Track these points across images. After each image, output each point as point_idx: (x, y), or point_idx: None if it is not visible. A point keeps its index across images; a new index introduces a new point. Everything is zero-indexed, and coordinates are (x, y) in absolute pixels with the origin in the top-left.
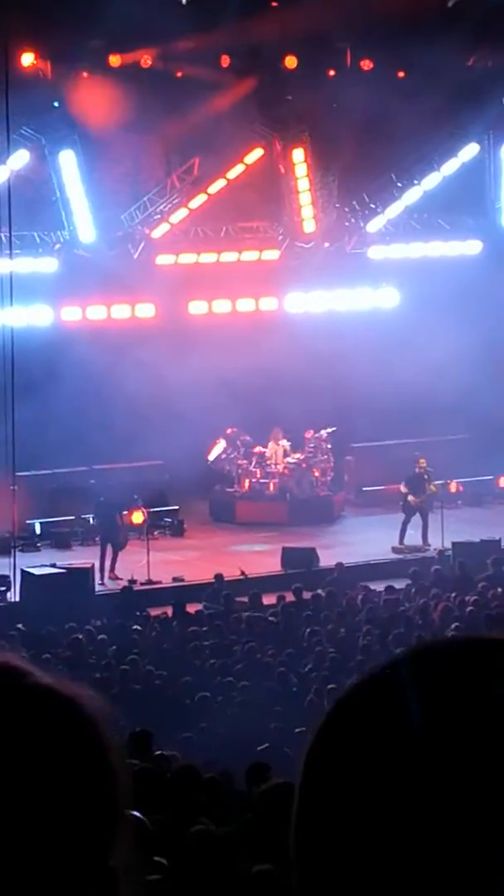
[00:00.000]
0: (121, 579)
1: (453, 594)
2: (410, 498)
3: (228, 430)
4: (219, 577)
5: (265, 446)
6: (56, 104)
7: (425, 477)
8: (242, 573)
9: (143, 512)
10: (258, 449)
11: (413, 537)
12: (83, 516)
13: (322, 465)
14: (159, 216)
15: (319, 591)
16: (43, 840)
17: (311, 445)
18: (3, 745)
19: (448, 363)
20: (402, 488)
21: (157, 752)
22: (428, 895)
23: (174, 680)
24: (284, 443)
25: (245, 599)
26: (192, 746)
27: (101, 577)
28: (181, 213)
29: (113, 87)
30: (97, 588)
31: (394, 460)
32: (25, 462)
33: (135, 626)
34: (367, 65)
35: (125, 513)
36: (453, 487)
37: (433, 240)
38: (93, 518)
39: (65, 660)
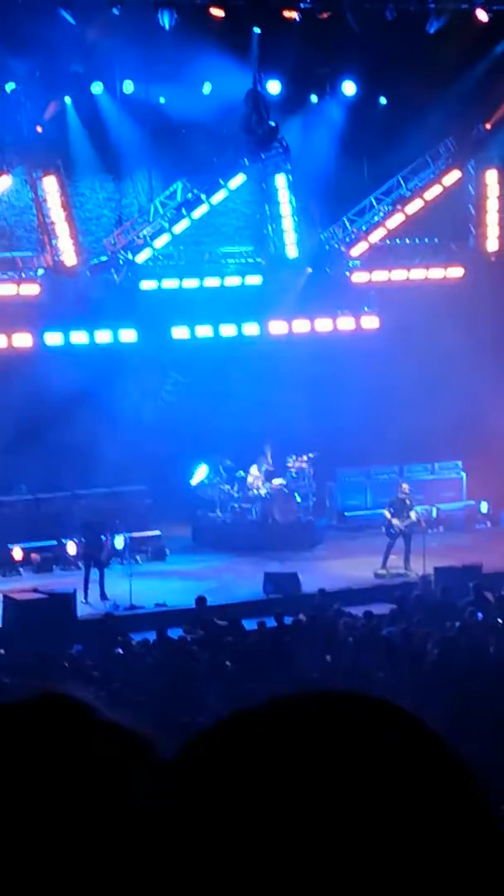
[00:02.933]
0: (109, 599)
1: (434, 619)
2: (395, 521)
3: (211, 455)
4: (200, 601)
5: (248, 471)
6: (39, 129)
7: (407, 502)
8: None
9: (123, 537)
10: (241, 474)
11: (395, 562)
12: (64, 541)
13: (304, 490)
14: (142, 241)
15: (301, 616)
16: (100, 876)
17: (294, 470)
18: (71, 782)
19: (430, 388)
20: (386, 513)
21: None
22: None
23: (157, 705)
24: (267, 465)
25: (226, 624)
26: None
27: (85, 597)
28: (164, 238)
29: (95, 112)
30: (79, 610)
31: (376, 485)
32: (6, 486)
33: (117, 651)
34: (349, 90)
35: (108, 534)
36: (435, 513)
37: (415, 265)
38: (78, 538)
39: (48, 685)
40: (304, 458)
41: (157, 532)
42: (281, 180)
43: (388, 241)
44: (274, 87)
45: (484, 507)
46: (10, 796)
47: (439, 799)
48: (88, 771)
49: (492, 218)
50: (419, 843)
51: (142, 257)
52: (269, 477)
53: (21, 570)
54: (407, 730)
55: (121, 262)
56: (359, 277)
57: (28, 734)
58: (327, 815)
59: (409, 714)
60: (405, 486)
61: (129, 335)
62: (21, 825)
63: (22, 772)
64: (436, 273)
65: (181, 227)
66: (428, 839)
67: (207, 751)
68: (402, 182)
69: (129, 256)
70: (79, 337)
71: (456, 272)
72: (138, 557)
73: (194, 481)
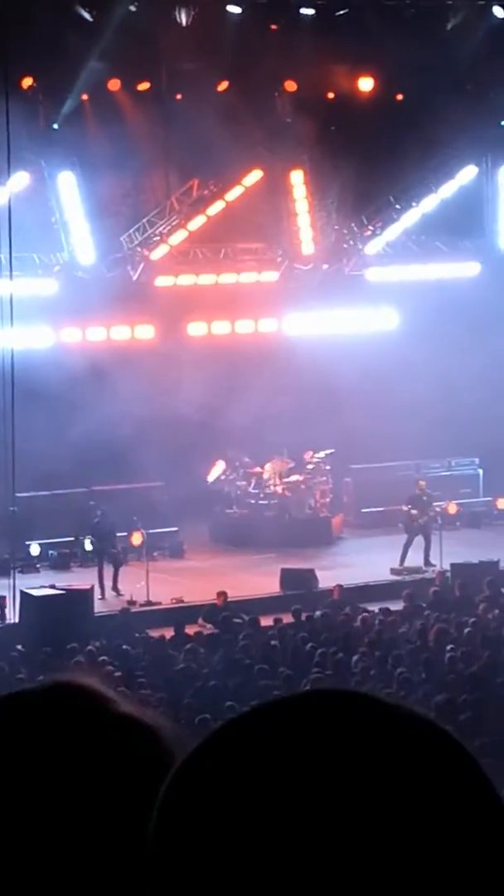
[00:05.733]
0: (122, 595)
1: (452, 615)
2: (414, 513)
3: (228, 452)
4: (218, 599)
5: (264, 468)
6: (56, 127)
7: (424, 499)
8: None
9: (141, 533)
10: (257, 470)
11: (413, 559)
12: (81, 538)
13: (321, 486)
14: (158, 238)
15: (318, 612)
16: (112, 869)
17: (310, 467)
18: (81, 773)
19: (447, 385)
20: (405, 508)
21: None
22: None
23: (174, 702)
24: (286, 462)
25: (243, 620)
26: None
27: (102, 593)
28: (180, 235)
29: (112, 110)
30: (96, 606)
31: (393, 482)
32: (24, 483)
33: (133, 648)
34: (365, 87)
35: (123, 533)
36: (452, 509)
37: (431, 262)
38: (90, 538)
39: None
40: (322, 454)
41: (174, 528)
42: (297, 177)
43: (403, 238)
44: (291, 83)
45: (502, 502)
46: (17, 783)
47: (461, 808)
48: (96, 759)
49: None
50: (440, 858)
51: (158, 254)
52: (286, 474)
53: (39, 566)
54: (431, 741)
55: (137, 258)
56: (375, 275)
57: (38, 721)
58: (337, 822)
59: (437, 725)
60: (422, 482)
61: (145, 331)
62: (26, 813)
63: (30, 758)
64: (451, 270)
65: (197, 223)
66: (449, 851)
67: (214, 758)
68: (418, 179)
69: (146, 253)
70: (96, 334)
71: (472, 269)
72: (155, 553)
73: (210, 478)
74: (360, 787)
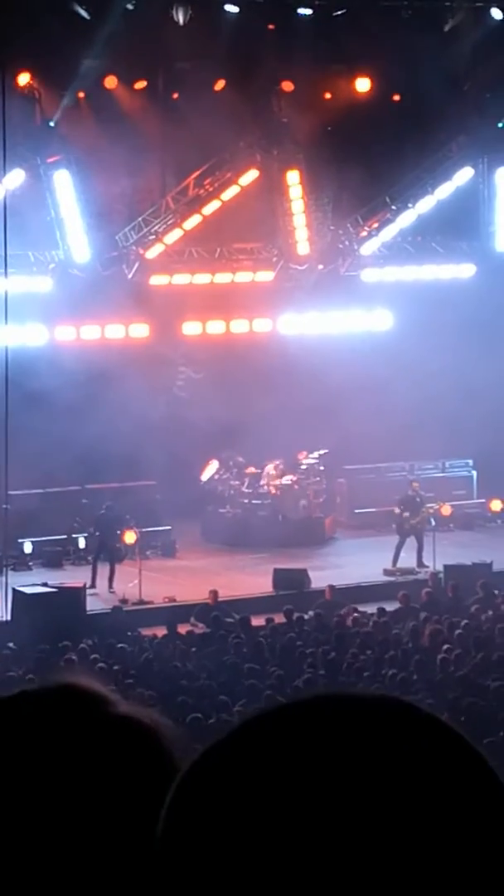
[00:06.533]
0: (115, 593)
1: (444, 617)
2: (406, 515)
3: (221, 451)
4: (213, 594)
5: (258, 467)
6: (51, 124)
7: (417, 500)
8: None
9: (135, 532)
10: (251, 470)
11: (406, 560)
12: (74, 535)
13: (314, 486)
14: (154, 236)
15: (310, 612)
16: (112, 869)
17: (304, 467)
18: (79, 774)
19: (441, 386)
20: (396, 510)
21: None
22: None
23: (165, 700)
24: (275, 464)
25: (234, 620)
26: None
27: (93, 583)
28: (176, 234)
29: (108, 107)
30: (89, 604)
31: (386, 483)
32: (17, 481)
33: (126, 646)
34: (362, 87)
35: (123, 529)
36: (446, 510)
37: (427, 263)
38: (93, 529)
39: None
40: (315, 454)
41: (167, 527)
42: (293, 177)
43: (399, 239)
44: (288, 83)
45: (495, 504)
46: (18, 783)
47: (473, 803)
48: (97, 759)
49: (503, 216)
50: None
51: (153, 253)
52: (278, 474)
53: (31, 564)
54: (444, 739)
55: (132, 257)
56: (370, 275)
57: (38, 722)
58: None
59: (447, 724)
60: (416, 483)
61: (140, 330)
62: (27, 813)
63: (31, 759)
64: (447, 271)
65: (193, 222)
66: (465, 849)
67: (223, 762)
68: (414, 180)
69: (141, 252)
70: (90, 332)
71: (467, 270)
72: (148, 552)
73: (204, 477)
74: (385, 795)
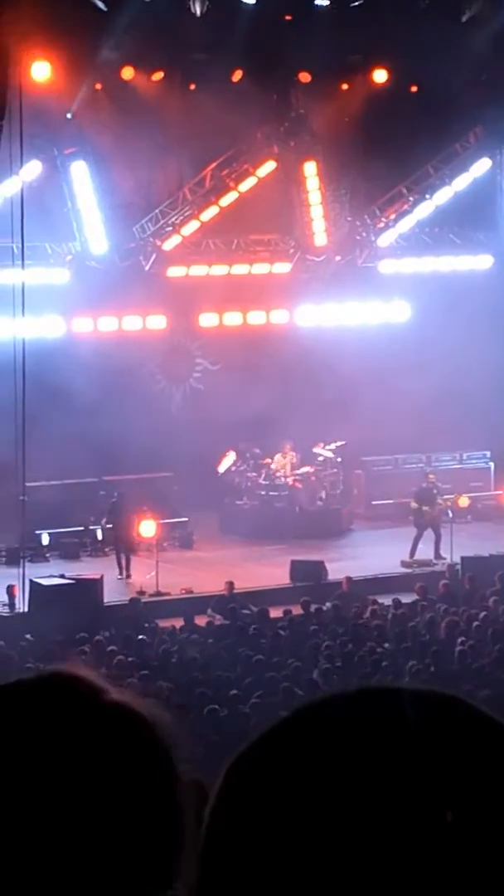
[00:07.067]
0: (132, 583)
1: (461, 609)
2: (425, 509)
3: (239, 443)
4: (225, 589)
5: (273, 459)
6: (69, 116)
7: (434, 492)
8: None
9: (156, 523)
10: (267, 461)
11: (423, 552)
12: (92, 527)
13: (331, 478)
14: (171, 228)
15: (328, 604)
16: (106, 859)
17: (321, 459)
18: (74, 763)
19: (459, 378)
20: (413, 504)
21: None
22: None
23: (183, 692)
24: (292, 455)
25: (252, 611)
26: (199, 760)
27: (121, 572)
28: (193, 226)
29: (126, 99)
30: (109, 594)
31: (404, 475)
32: (34, 472)
33: (144, 638)
34: (379, 78)
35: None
36: (463, 502)
37: (444, 254)
38: (106, 518)
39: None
40: (332, 446)
41: (184, 519)
42: (310, 168)
43: (416, 230)
44: (305, 75)
45: None
46: (10, 771)
47: None
48: (89, 747)
49: None
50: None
51: (170, 244)
52: (294, 465)
53: (48, 555)
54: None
55: (149, 249)
56: (387, 267)
57: (31, 710)
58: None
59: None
60: (432, 475)
61: (157, 322)
62: (20, 801)
63: (23, 747)
64: (464, 263)
65: (210, 214)
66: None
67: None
68: (431, 171)
69: (158, 243)
70: (107, 324)
71: (485, 261)
72: (165, 544)
73: (221, 469)
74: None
